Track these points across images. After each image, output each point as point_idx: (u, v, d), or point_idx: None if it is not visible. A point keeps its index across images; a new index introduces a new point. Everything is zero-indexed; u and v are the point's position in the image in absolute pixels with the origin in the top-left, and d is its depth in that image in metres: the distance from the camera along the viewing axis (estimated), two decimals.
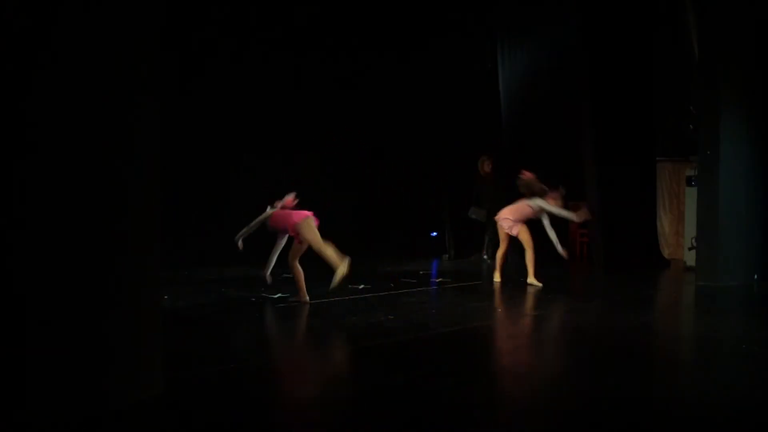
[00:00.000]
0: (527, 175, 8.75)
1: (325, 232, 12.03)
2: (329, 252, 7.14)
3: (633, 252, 10.36)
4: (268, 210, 7.59)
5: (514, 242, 9.24)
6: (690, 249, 10.40)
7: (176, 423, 3.69)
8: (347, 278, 7.17)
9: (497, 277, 9.09)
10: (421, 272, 10.09)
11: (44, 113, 3.48)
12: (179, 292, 7.74)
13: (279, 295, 7.77)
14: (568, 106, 10.97)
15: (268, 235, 9.19)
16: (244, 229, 7.46)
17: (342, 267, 7.09)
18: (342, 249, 11.93)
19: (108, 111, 3.69)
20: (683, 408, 3.94)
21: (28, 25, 3.41)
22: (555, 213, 8.65)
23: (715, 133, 8.84)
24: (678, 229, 11.62)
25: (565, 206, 8.98)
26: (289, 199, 7.57)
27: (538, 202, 8.62)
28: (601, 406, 3.98)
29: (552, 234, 8.72)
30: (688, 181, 10.64)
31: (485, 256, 11.76)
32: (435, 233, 13.10)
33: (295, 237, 7.43)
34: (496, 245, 11.67)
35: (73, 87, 3.56)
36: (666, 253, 11.55)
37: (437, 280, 9.41)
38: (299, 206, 7.62)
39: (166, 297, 7.11)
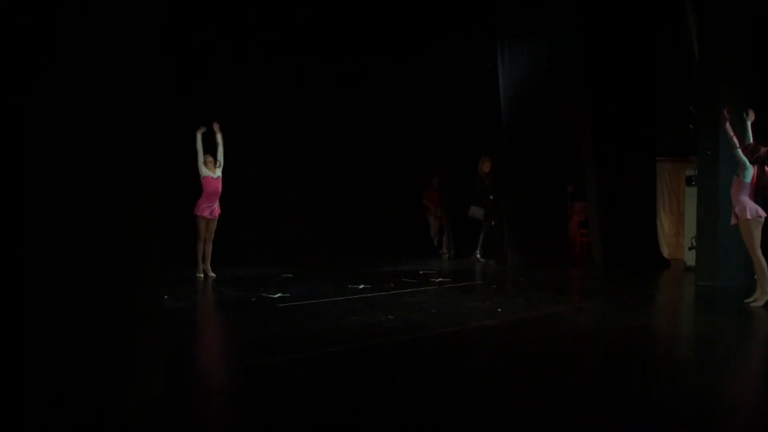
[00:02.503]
0: None
1: (325, 232, 12.09)
2: None
3: (633, 252, 10.35)
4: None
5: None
6: (690, 249, 10.39)
7: (176, 423, 3.69)
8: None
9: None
10: (421, 272, 10.09)
11: (44, 114, 3.47)
12: (179, 292, 7.73)
13: (279, 294, 7.76)
14: (568, 106, 10.96)
15: (269, 235, 9.18)
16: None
17: None
18: (342, 248, 11.99)
19: (107, 111, 3.68)
20: (683, 408, 3.94)
21: (28, 25, 3.41)
22: None
23: (715, 133, 8.83)
24: (678, 229, 11.61)
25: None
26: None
27: None
28: (601, 406, 3.98)
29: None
30: (688, 181, 10.64)
31: (478, 255, 11.76)
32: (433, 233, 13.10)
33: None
34: (491, 244, 11.72)
35: (73, 87, 3.55)
36: (666, 253, 11.54)
37: (437, 280, 9.40)
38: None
39: (166, 297, 7.10)
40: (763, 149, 7.16)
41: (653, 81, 11.11)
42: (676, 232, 11.68)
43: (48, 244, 3.48)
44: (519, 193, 11.03)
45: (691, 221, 10.18)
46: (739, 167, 7.13)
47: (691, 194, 10.30)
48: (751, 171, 7.09)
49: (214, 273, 9.21)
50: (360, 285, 8.39)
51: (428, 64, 12.24)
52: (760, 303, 7.16)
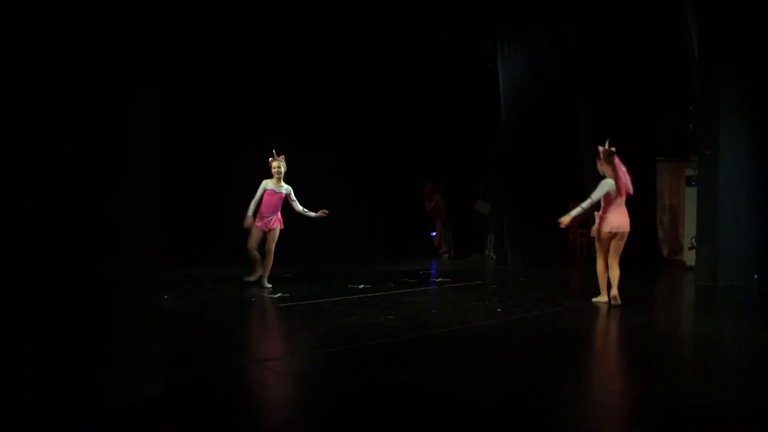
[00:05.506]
0: None
1: (325, 232, 12.09)
2: None
3: (633, 252, 10.34)
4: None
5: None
6: (690, 249, 10.40)
7: (176, 423, 3.69)
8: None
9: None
10: (421, 272, 10.09)
11: (41, 109, 3.46)
12: (179, 292, 7.73)
13: (279, 294, 7.77)
14: (568, 106, 10.97)
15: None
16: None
17: None
18: (342, 248, 11.99)
19: (107, 107, 3.67)
20: (683, 408, 3.94)
21: (24, 15, 3.39)
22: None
23: (715, 133, 8.84)
24: (678, 229, 11.62)
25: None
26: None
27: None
28: (602, 406, 3.98)
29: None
30: (688, 181, 10.64)
31: (488, 253, 11.74)
32: (435, 233, 13.10)
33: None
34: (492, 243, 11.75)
35: (71, 80, 3.53)
36: (666, 253, 11.55)
37: (437, 280, 9.40)
38: None
39: (166, 297, 7.11)
40: (601, 149, 7.50)
41: (653, 81, 11.12)
42: (676, 232, 11.69)
43: (47, 243, 3.48)
44: (519, 192, 11.03)
45: (691, 221, 10.18)
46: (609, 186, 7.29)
47: (691, 194, 10.31)
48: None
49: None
50: (360, 285, 8.39)
51: (428, 63, 12.25)
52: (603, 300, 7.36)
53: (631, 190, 7.38)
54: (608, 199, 7.34)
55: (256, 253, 8.43)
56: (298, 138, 11.72)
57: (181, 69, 10.35)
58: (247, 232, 8.38)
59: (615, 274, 7.34)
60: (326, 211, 8.53)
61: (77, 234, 3.57)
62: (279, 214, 8.46)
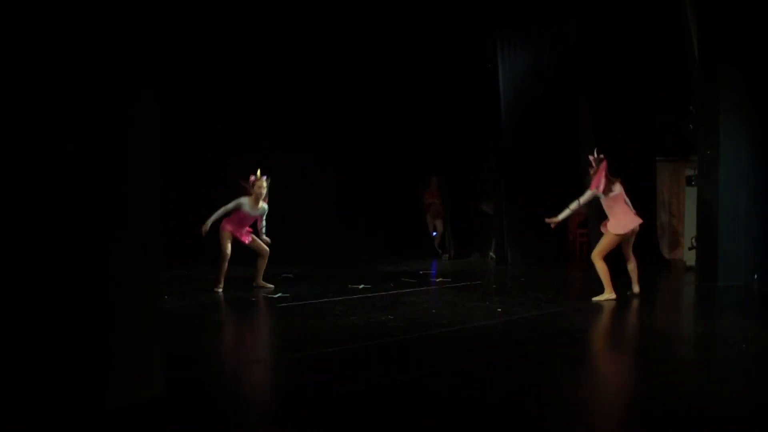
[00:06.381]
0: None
1: (325, 232, 12.10)
2: None
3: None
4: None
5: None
6: (690, 249, 10.40)
7: (176, 423, 3.69)
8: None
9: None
10: (421, 272, 10.09)
11: (41, 109, 3.46)
12: (179, 292, 7.73)
13: (279, 294, 7.76)
14: (568, 106, 10.96)
15: (268, 235, 9.21)
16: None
17: None
18: (342, 248, 11.99)
19: (107, 107, 3.67)
20: (683, 408, 3.94)
21: (24, 15, 3.39)
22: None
23: (715, 133, 8.84)
24: (678, 229, 11.62)
25: None
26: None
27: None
28: (602, 406, 3.98)
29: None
30: (688, 181, 10.64)
31: (492, 254, 11.73)
32: (435, 233, 13.09)
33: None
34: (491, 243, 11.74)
35: (71, 80, 3.53)
36: (666, 253, 11.54)
37: (437, 280, 9.40)
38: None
39: (166, 297, 7.10)
40: (591, 158, 7.73)
41: (653, 81, 11.11)
42: (676, 232, 11.69)
43: (47, 243, 3.48)
44: (519, 192, 11.03)
45: (691, 221, 10.17)
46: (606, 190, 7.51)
47: (691, 194, 10.31)
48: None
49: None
50: (360, 285, 8.39)
51: (428, 63, 12.24)
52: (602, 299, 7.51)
53: (592, 185, 7.59)
54: (609, 203, 7.60)
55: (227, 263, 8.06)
56: (298, 138, 11.73)
57: (181, 69, 10.34)
58: (219, 240, 7.98)
59: (634, 266, 7.84)
60: (268, 242, 8.24)
61: (77, 234, 3.57)
62: (248, 227, 8.16)
